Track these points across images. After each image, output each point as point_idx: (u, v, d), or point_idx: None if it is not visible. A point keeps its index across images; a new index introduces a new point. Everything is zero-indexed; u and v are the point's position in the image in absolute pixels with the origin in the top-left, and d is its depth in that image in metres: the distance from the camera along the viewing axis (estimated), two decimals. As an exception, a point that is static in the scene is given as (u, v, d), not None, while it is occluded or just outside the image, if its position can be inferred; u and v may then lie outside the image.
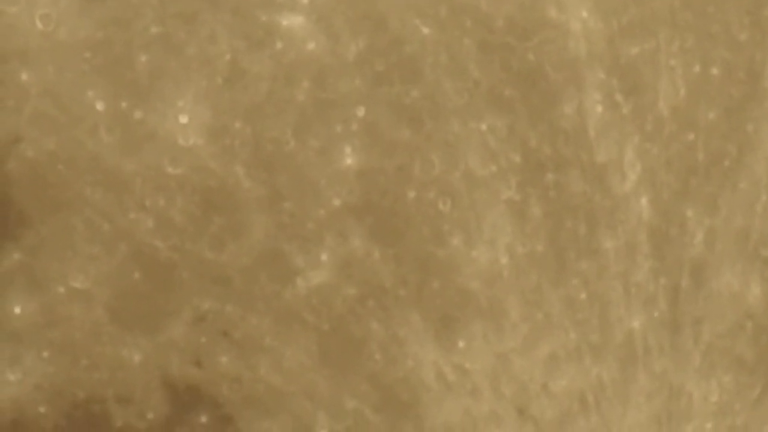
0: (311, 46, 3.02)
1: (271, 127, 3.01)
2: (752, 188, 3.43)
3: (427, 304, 3.13)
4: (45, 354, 2.94)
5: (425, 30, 3.10)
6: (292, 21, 3.01)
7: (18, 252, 2.91)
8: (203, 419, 3.02)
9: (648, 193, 3.31)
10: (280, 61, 3.00)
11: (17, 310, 2.92)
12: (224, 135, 2.98)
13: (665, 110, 3.32)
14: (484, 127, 3.15)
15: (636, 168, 3.29)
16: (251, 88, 2.99)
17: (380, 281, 3.10)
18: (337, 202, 3.06)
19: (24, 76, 2.88)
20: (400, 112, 3.09)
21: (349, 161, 3.06)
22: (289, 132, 3.02)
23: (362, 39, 3.06)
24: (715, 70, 3.37)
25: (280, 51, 3.00)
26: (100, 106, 2.92)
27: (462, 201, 3.14)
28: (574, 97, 3.22)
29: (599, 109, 3.24)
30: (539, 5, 3.19)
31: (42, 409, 2.94)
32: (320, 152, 3.04)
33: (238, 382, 3.03)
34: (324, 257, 3.06)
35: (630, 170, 3.28)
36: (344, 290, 3.08)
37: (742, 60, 3.41)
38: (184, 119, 2.95)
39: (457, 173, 3.13)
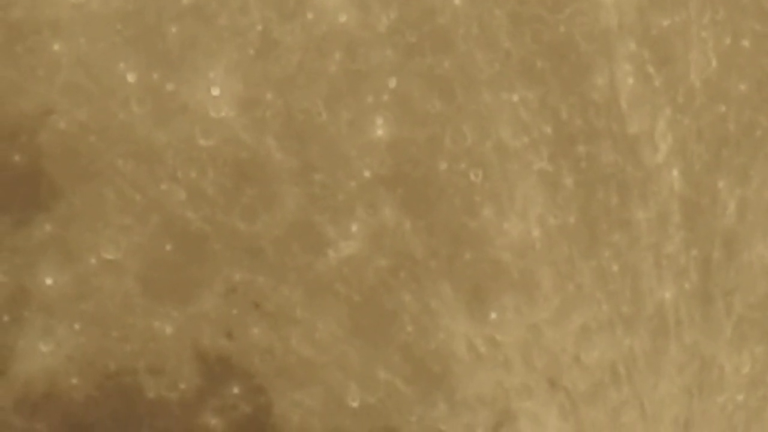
0: (343, 17, 3.01)
1: (303, 98, 3.00)
2: (784, 159, 3.43)
3: (459, 276, 3.13)
4: (77, 325, 2.94)
5: (456, 1, 3.09)
6: (323, -8, 3.01)
7: (49, 223, 2.91)
8: (235, 390, 3.02)
9: (679, 164, 3.30)
10: (311, 32, 2.99)
11: (49, 281, 2.92)
12: (255, 106, 2.98)
13: (696, 82, 3.31)
14: (515, 98, 3.14)
15: (667, 139, 3.28)
16: (283, 59, 2.98)
17: (411, 252, 3.09)
18: (368, 174, 3.05)
19: (56, 47, 2.88)
20: (432, 84, 3.08)
21: (380, 132, 3.05)
22: (320, 103, 3.01)
23: (393, 10, 3.05)
24: (746, 42, 3.36)
25: (311, 22, 2.99)
26: (131, 77, 2.92)
27: (493, 172, 3.13)
28: (605, 68, 3.21)
29: (630, 80, 3.23)
30: (570, -24, 3.18)
31: (74, 380, 2.94)
32: (351, 123, 3.03)
33: (269, 354, 3.03)
34: (355, 228, 3.05)
35: (661, 141, 3.27)
36: (375, 261, 3.07)
37: (772, 32, 3.40)
38: (215, 91, 2.95)
39: (489, 144, 3.12)
